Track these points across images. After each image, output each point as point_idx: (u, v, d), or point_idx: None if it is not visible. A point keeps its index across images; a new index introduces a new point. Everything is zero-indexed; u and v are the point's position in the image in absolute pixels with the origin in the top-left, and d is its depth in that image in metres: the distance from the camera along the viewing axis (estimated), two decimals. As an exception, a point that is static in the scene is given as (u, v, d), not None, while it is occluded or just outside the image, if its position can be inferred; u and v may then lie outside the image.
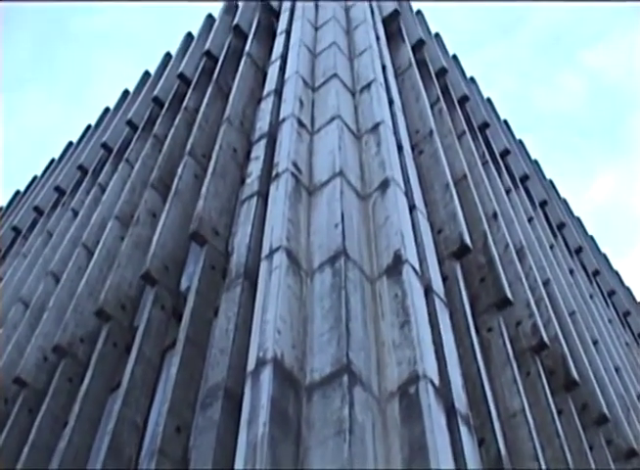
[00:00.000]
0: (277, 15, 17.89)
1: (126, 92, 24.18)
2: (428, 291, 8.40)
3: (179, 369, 8.36)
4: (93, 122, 25.04)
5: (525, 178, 20.02)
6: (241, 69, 14.93)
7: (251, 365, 7.11)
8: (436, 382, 6.93)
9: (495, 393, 8.66)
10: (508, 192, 16.37)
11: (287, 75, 13.45)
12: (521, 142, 25.36)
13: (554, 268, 15.04)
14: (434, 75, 16.66)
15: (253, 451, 6.12)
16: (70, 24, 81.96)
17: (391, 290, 8.03)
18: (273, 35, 16.76)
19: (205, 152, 12.79)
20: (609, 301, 22.01)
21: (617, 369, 14.21)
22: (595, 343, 13.92)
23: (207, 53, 17.36)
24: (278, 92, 13.04)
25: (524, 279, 11.29)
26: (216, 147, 12.13)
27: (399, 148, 11.32)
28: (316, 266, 8.51)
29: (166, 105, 17.02)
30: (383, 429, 6.61)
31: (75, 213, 16.77)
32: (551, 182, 25.98)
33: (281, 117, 11.87)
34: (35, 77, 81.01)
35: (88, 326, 11.19)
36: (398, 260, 8.37)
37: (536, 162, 25.67)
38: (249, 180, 10.83)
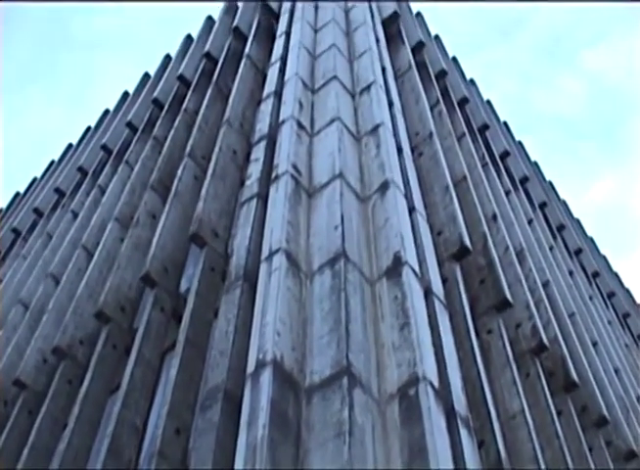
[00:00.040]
0: (277, 17, 17.89)
1: (126, 94, 24.19)
2: (427, 293, 8.40)
3: (179, 371, 8.37)
4: (93, 124, 25.05)
5: (524, 180, 20.02)
6: (240, 70, 14.93)
7: (250, 367, 7.11)
8: (436, 384, 6.93)
9: (495, 394, 8.66)
10: (508, 194, 16.36)
11: (286, 77, 13.45)
12: (520, 144, 25.37)
13: (554, 270, 15.04)
14: (433, 77, 16.66)
15: (253, 453, 6.12)
16: (71, 26, 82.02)
17: (391, 292, 8.03)
18: (273, 37, 16.76)
19: (205, 154, 12.79)
20: (608, 302, 22.00)
21: (616, 371, 14.21)
22: (595, 344, 13.92)
23: (207, 55, 17.37)
24: (278, 94, 13.04)
25: (523, 281, 11.28)
26: (216, 149, 12.13)
27: (399, 150, 11.33)
28: (316, 268, 8.51)
29: (166, 107, 17.03)
30: (382, 431, 6.61)
31: (75, 215, 16.77)
32: (551, 184, 25.98)
33: (281, 118, 11.87)
34: (36, 79, 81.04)
35: (88, 328, 11.19)
36: (398, 262, 8.37)
37: (536, 163, 25.67)
38: (248, 182, 10.83)
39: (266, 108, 12.79)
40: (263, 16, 17.87)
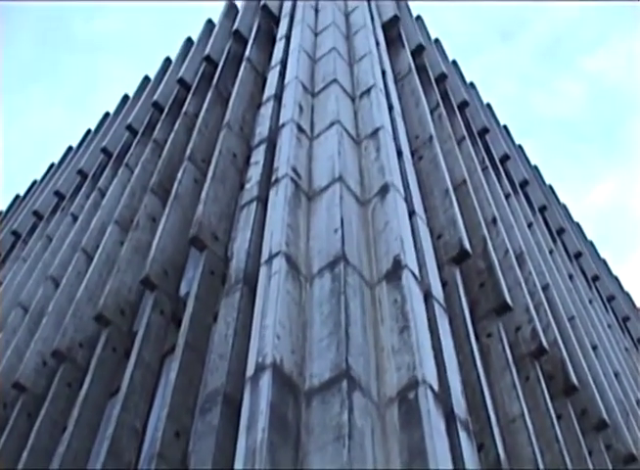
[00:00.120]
0: (277, 20, 17.90)
1: (126, 97, 24.21)
2: (427, 296, 8.40)
3: (178, 374, 8.36)
4: (93, 127, 25.06)
5: (524, 183, 20.03)
6: (240, 74, 14.94)
7: (250, 370, 7.11)
8: (436, 387, 6.93)
9: (494, 398, 8.66)
10: (507, 197, 16.37)
11: (286, 81, 13.46)
12: (520, 147, 25.38)
13: (553, 273, 15.04)
14: (433, 81, 16.67)
15: (252, 457, 6.12)
16: (73, 27, 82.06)
17: (391, 295, 8.03)
18: (273, 40, 16.78)
19: (205, 157, 12.80)
20: (608, 306, 22.00)
21: (616, 374, 14.20)
22: (594, 348, 13.92)
23: (207, 58, 17.38)
24: (278, 97, 13.05)
25: (523, 284, 11.29)
26: (216, 152, 12.14)
27: (399, 153, 11.33)
28: (315, 272, 8.51)
29: (166, 110, 17.03)
30: (382, 434, 6.61)
31: (75, 218, 16.77)
32: (550, 187, 25.99)
33: (280, 122, 11.88)
34: (37, 80, 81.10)
35: (87, 331, 11.19)
36: (398, 266, 8.37)
37: (536, 167, 25.68)
38: (248, 185, 10.84)
39: (266, 111, 12.80)
40: (263, 19, 17.88)
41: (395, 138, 11.73)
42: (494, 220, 12.50)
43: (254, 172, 11.00)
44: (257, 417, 6.47)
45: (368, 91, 12.85)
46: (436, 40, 22.75)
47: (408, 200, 10.15)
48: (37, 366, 11.39)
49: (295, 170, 10.26)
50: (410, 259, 8.58)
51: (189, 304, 9.37)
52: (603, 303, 21.35)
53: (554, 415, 9.37)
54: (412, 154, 12.33)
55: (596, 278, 22.32)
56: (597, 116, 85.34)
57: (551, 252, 16.88)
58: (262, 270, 8.53)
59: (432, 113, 14.44)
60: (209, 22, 21.92)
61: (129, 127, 18.77)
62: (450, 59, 23.17)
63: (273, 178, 10.30)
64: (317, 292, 8.15)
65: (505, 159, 19.41)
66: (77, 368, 10.82)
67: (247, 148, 12.72)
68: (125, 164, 16.27)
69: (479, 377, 8.25)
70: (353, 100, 12.89)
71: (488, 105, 24.80)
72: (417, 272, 8.57)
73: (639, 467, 11.16)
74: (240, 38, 17.39)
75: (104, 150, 19.46)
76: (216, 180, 11.39)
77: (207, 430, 7.24)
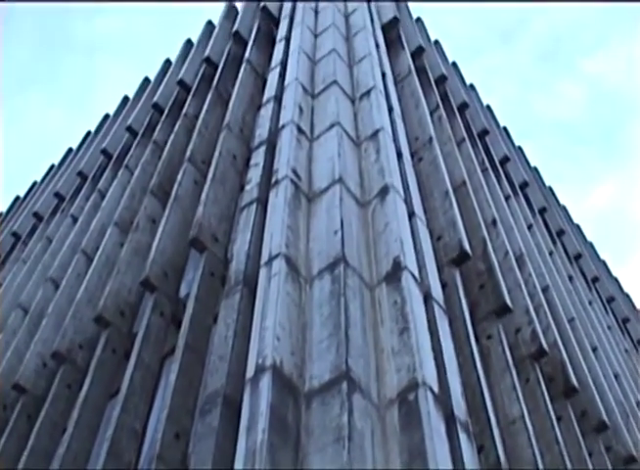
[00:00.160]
0: (277, 21, 17.91)
1: (126, 98, 24.22)
2: (427, 298, 8.40)
3: (178, 376, 8.36)
4: (93, 129, 25.06)
5: (524, 185, 20.03)
6: (240, 75, 14.94)
7: (250, 372, 7.11)
8: (436, 389, 6.93)
9: (495, 400, 8.66)
10: (507, 199, 16.37)
11: (286, 82, 13.46)
12: (520, 149, 25.38)
13: (553, 275, 15.04)
14: (433, 83, 16.67)
15: (252, 458, 6.12)
16: (72, 29, 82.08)
17: (391, 297, 8.03)
18: (273, 42, 16.78)
19: (205, 158, 12.80)
20: (608, 307, 22.01)
21: (616, 376, 14.21)
22: (594, 349, 13.92)
23: (207, 59, 17.38)
24: (278, 99, 13.05)
25: (523, 286, 11.29)
26: (216, 153, 12.14)
27: (399, 155, 11.33)
28: (315, 273, 8.51)
29: (166, 111, 17.03)
30: (382, 436, 6.61)
31: (75, 220, 16.77)
32: (550, 189, 25.99)
33: (280, 123, 11.88)
34: (37, 82, 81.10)
35: (87, 332, 11.19)
36: (398, 267, 8.37)
37: (536, 169, 25.68)
38: (248, 187, 10.84)
39: (266, 113, 12.80)
40: (263, 21, 17.88)
41: (395, 140, 11.73)
42: (494, 222, 12.50)
43: (254, 174, 10.99)
44: (257, 419, 6.47)
45: (368, 93, 12.85)
46: (436, 42, 22.75)
47: (408, 201, 10.15)
48: (37, 368, 11.39)
49: (294, 172, 10.26)
50: (410, 261, 8.58)
51: (189, 305, 9.37)
52: (603, 304, 21.35)
53: (554, 417, 9.37)
54: (412, 155, 12.33)
55: (596, 279, 22.33)
56: (597, 118, 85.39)
57: (551, 253, 16.88)
58: (262, 272, 8.53)
59: (431, 114, 14.44)
60: (209, 23, 21.93)
61: (129, 129, 18.78)
62: (450, 61, 23.18)
63: (273, 180, 10.30)
64: (317, 293, 8.15)
65: (505, 160, 19.41)
66: (77, 370, 10.82)
67: (247, 149, 12.72)
68: (125, 165, 16.27)
69: (479, 379, 8.25)
70: (353, 101, 12.89)
71: (488, 107, 24.80)
72: (417, 274, 8.57)
73: (639, 468, 11.16)
74: (240, 40, 17.40)
75: (104, 151, 19.47)
76: (216, 182, 11.39)
77: (207, 431, 7.24)
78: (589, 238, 27.30)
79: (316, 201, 9.89)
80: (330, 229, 9.05)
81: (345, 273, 8.17)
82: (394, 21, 17.94)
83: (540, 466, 8.07)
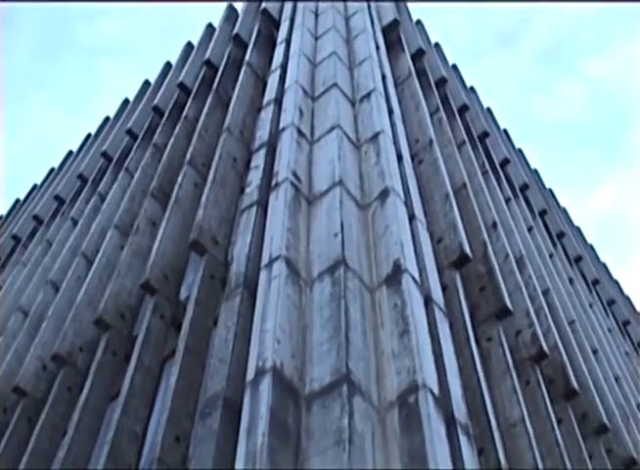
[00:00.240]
0: (277, 24, 17.92)
1: (126, 101, 24.22)
2: (427, 300, 8.40)
3: (178, 378, 8.36)
4: (93, 131, 25.07)
5: (524, 188, 20.03)
6: (241, 78, 14.95)
7: (250, 375, 7.10)
8: (436, 391, 6.93)
9: (495, 402, 8.66)
10: (508, 201, 16.37)
11: (287, 85, 13.46)
12: (520, 151, 25.39)
13: (553, 277, 15.04)
14: (433, 85, 16.67)
15: (253, 461, 6.11)
16: (73, 32, 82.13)
17: (391, 299, 8.03)
18: (273, 45, 16.78)
19: (205, 161, 12.80)
20: (608, 310, 22.00)
21: (616, 378, 14.20)
22: (595, 352, 13.92)
23: (208, 62, 17.39)
24: (278, 101, 13.05)
25: (523, 288, 11.28)
26: (216, 156, 12.14)
27: (399, 157, 11.33)
28: (315, 276, 8.50)
29: (166, 114, 17.04)
30: (382, 438, 6.60)
31: (75, 222, 16.78)
32: (551, 191, 25.99)
33: (281, 126, 11.88)
34: (37, 85, 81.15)
35: (87, 335, 11.19)
36: (398, 270, 8.37)
37: (536, 171, 25.69)
38: (248, 189, 10.84)
39: (266, 115, 12.80)
40: (263, 23, 17.89)
41: (395, 142, 11.74)
42: (494, 224, 12.50)
43: (255, 176, 10.99)
44: (257, 421, 6.47)
45: (368, 95, 12.85)
46: (437, 44, 22.77)
47: (408, 204, 10.15)
48: (37, 371, 11.39)
49: (295, 175, 10.26)
50: (410, 264, 8.58)
51: (189, 308, 9.37)
52: (603, 307, 21.34)
53: (554, 419, 9.36)
54: (412, 158, 12.33)
55: (596, 282, 22.33)
56: (597, 120, 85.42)
57: (551, 256, 16.88)
58: (262, 274, 8.53)
59: (432, 117, 14.44)
60: (210, 26, 21.94)
61: (129, 132, 18.78)
62: (450, 63, 23.20)
63: (273, 182, 10.30)
64: (317, 296, 8.15)
65: (505, 163, 19.42)
66: (77, 372, 10.81)
67: (247, 152, 12.72)
68: (125, 168, 16.27)
69: (479, 381, 8.25)
70: (353, 104, 12.90)
71: (488, 109, 24.82)
72: (417, 276, 8.57)
73: (640, 471, 11.16)
74: (240, 42, 17.40)
75: (104, 154, 19.47)
76: (216, 184, 11.39)
77: (208, 434, 7.24)
78: (590, 240, 27.32)
79: (316, 203, 9.89)
80: (330, 232, 9.05)
81: (346, 276, 8.17)
82: (395, 23, 17.96)
83: (541, 469, 8.06)
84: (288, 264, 8.45)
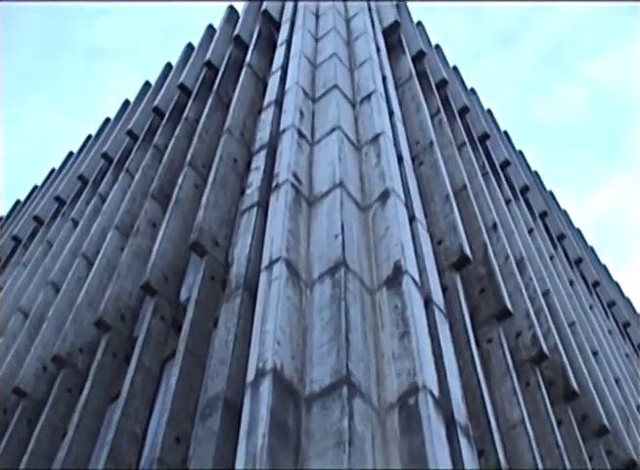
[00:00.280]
0: (277, 25, 17.92)
1: (127, 102, 24.23)
2: (427, 302, 8.40)
3: (179, 380, 8.36)
4: (94, 133, 25.08)
5: (525, 189, 20.03)
6: (241, 79, 14.95)
7: (250, 376, 7.10)
8: (436, 393, 6.93)
9: (495, 404, 8.66)
10: (508, 203, 16.37)
11: (287, 86, 13.47)
12: (521, 153, 25.39)
13: (554, 279, 15.04)
14: (434, 86, 16.68)
15: (253, 462, 6.11)
16: (73, 33, 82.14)
17: (391, 301, 8.03)
18: (274, 46, 16.79)
19: (206, 162, 12.80)
20: (609, 312, 22.00)
21: (616, 380, 14.20)
22: (595, 354, 13.91)
23: (208, 63, 17.39)
24: (278, 103, 13.06)
25: (523, 290, 11.28)
26: (217, 157, 12.14)
27: (399, 159, 11.33)
28: (316, 277, 8.51)
29: (167, 115, 17.05)
30: (382, 440, 6.60)
31: (75, 223, 16.78)
32: (551, 193, 26.00)
33: (281, 127, 11.88)
34: (38, 86, 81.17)
35: (88, 336, 11.19)
36: (398, 271, 8.37)
37: (536, 173, 25.69)
38: (249, 191, 10.84)
39: (267, 117, 12.81)
40: (264, 25, 17.89)
41: (396, 144, 11.74)
42: (495, 226, 12.50)
43: (255, 178, 11.00)
44: (258, 423, 6.47)
45: (369, 97, 12.85)
46: (437, 46, 22.78)
47: (409, 205, 10.15)
48: (37, 372, 11.39)
49: (295, 176, 10.26)
50: (410, 265, 8.58)
51: (189, 309, 9.37)
52: (603, 308, 21.34)
53: (554, 421, 9.36)
54: (413, 159, 12.33)
55: (596, 284, 22.32)
56: (598, 122, 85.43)
57: (551, 257, 16.88)
58: (263, 276, 8.53)
59: (432, 118, 14.44)
60: (210, 27, 21.94)
61: (130, 133, 18.79)
62: (451, 65, 23.20)
63: (274, 184, 10.30)
64: (317, 297, 8.15)
65: (505, 164, 19.41)
66: (77, 374, 10.81)
67: (247, 153, 12.73)
68: (126, 169, 16.28)
69: (479, 383, 8.25)
70: (354, 105, 12.90)
71: (489, 111, 24.82)
72: (417, 278, 8.57)
73: (640, 473, 11.15)
74: (241, 44, 17.41)
75: (104, 155, 19.48)
76: (217, 186, 11.39)
77: (208, 435, 7.24)
78: (590, 242, 27.33)
79: (317, 205, 9.89)
80: (330, 233, 9.05)
81: (346, 277, 8.17)
82: (395, 25, 17.97)
83: None
84: (288, 266, 8.46)
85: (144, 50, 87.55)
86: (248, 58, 15.96)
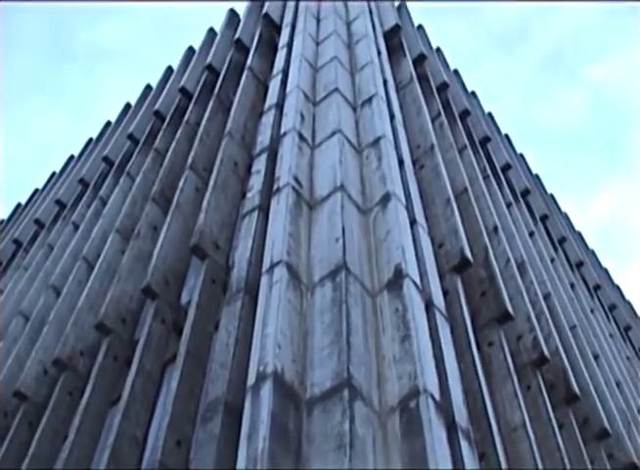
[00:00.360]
0: (278, 29, 17.93)
1: (128, 106, 24.23)
2: (428, 305, 8.40)
3: (179, 383, 8.36)
4: (95, 136, 25.08)
5: (525, 193, 20.02)
6: (242, 82, 14.96)
7: (251, 379, 7.10)
8: (437, 396, 6.92)
9: (496, 407, 8.65)
10: (509, 206, 16.37)
11: (288, 89, 13.47)
12: (522, 156, 25.39)
13: (555, 282, 15.03)
14: (435, 90, 16.68)
15: (254, 465, 6.11)
16: (74, 36, 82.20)
17: (392, 304, 8.03)
18: (274, 49, 16.79)
19: (207, 165, 12.80)
20: (610, 315, 21.99)
21: (617, 383, 14.19)
22: (596, 357, 13.90)
23: (209, 67, 17.40)
24: (279, 106, 13.06)
25: (524, 293, 11.28)
26: (217, 161, 12.15)
27: (400, 162, 11.33)
28: (317, 280, 8.51)
29: (168, 119, 17.05)
30: (383, 443, 6.60)
31: (76, 227, 16.78)
32: (552, 197, 25.99)
33: (282, 131, 11.88)
34: (39, 89, 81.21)
35: (88, 340, 11.19)
36: (399, 275, 8.37)
37: (537, 176, 25.68)
38: (249, 194, 10.84)
39: (268, 120, 12.81)
40: (265, 28, 17.90)
41: (397, 147, 11.74)
42: (495, 229, 12.50)
43: (256, 181, 11.00)
44: (258, 426, 6.47)
45: (369, 100, 12.86)
46: (438, 49, 22.79)
47: (409, 209, 10.15)
48: (38, 375, 11.39)
49: (296, 179, 10.27)
50: (411, 268, 8.58)
51: (190, 312, 9.37)
52: (604, 312, 21.33)
53: (555, 424, 9.36)
54: (413, 163, 12.33)
55: (597, 287, 22.31)
56: (599, 126, 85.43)
57: (552, 261, 16.87)
58: (264, 279, 8.53)
59: (433, 122, 14.45)
60: (211, 30, 21.95)
61: (131, 136, 18.79)
62: (452, 68, 23.21)
63: (274, 187, 10.31)
64: (318, 301, 8.15)
65: (506, 168, 19.41)
66: (78, 377, 10.81)
67: (248, 157, 12.73)
68: (127, 172, 16.29)
69: (480, 386, 8.24)
70: (355, 109, 12.91)
71: (490, 114, 24.82)
72: (418, 281, 8.57)
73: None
74: (241, 47, 17.42)
75: (105, 159, 19.49)
76: (218, 189, 11.40)
77: (209, 439, 7.24)
78: (591, 246, 27.31)
79: (317, 208, 9.89)
80: (331, 236, 9.06)
81: (347, 280, 8.17)
82: (396, 28, 17.97)
83: (542, 474, 8.06)
84: (289, 269, 8.46)
85: (145, 52, 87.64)
86: (249, 61, 15.97)
